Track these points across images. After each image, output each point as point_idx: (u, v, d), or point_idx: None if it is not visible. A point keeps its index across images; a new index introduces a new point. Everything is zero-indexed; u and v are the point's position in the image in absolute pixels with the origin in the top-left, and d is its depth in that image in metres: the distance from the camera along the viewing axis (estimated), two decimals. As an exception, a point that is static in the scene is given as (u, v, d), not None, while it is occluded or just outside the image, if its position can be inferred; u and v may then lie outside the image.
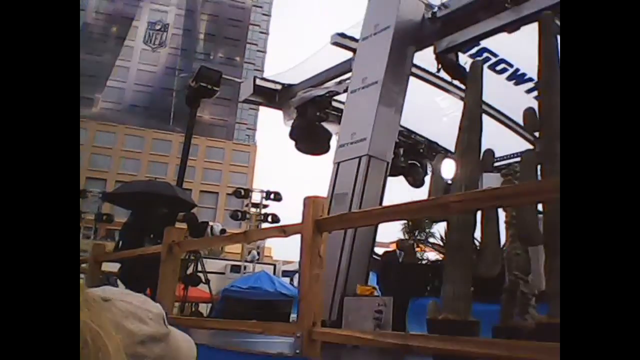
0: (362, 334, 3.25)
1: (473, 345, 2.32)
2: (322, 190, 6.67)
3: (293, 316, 10.34)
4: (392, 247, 7.99)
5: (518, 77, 7.72)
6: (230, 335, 5.25)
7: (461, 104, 4.14)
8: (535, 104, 3.27)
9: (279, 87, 9.74)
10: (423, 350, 2.61)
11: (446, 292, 2.99)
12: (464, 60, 6.82)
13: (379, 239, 6.78)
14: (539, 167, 2.91)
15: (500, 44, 6.98)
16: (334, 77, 8.67)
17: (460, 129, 3.53)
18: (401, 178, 9.63)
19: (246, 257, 19.58)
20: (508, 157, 7.89)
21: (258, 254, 21.95)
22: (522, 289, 2.97)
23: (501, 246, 3.18)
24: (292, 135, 9.33)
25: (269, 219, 17.52)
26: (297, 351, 3.11)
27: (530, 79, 7.22)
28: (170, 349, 0.83)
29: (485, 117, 5.65)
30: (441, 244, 3.29)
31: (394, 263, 6.71)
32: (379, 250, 8.65)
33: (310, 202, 3.41)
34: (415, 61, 7.24)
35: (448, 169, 3.60)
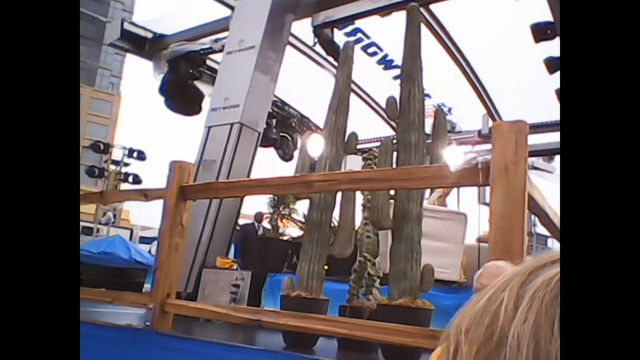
0: (215, 307, 3.27)
1: (318, 322, 2.48)
2: (191, 155, 6.47)
3: (147, 286, 10.02)
4: (251, 218, 8.10)
5: (387, 63, 8.13)
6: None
7: (334, 81, 4.27)
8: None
9: (149, 35, 9.09)
10: (274, 326, 2.72)
11: (302, 269, 3.13)
12: (340, 38, 7.01)
13: (245, 210, 6.81)
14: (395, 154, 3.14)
15: (373, 27, 7.29)
16: (210, 34, 8.33)
17: (329, 108, 3.64)
18: (272, 150, 9.72)
19: (100, 218, 18.36)
20: (372, 141, 8.35)
21: (114, 216, 20.70)
22: (369, 270, 3.22)
23: (355, 228, 3.39)
24: (162, 91, 8.85)
25: (130, 179, 16.54)
26: (148, 323, 3.04)
27: (398, 66, 7.67)
28: None
29: (354, 97, 5.90)
30: (303, 220, 3.41)
31: (254, 236, 6.82)
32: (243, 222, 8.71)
33: (176, 168, 3.30)
34: (293, 31, 7.26)
35: (316, 145, 3.71)
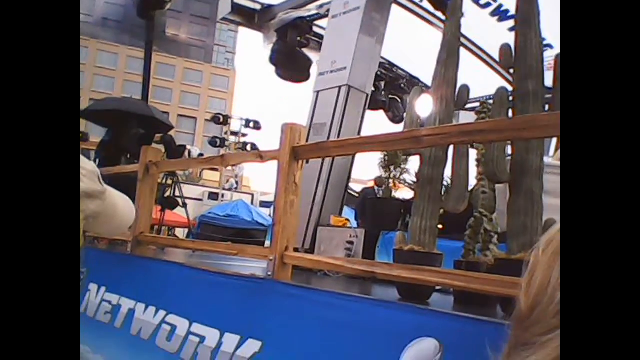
0: (331, 259, 3.41)
1: (432, 274, 2.48)
2: (302, 121, 6.67)
3: (267, 243, 10.64)
4: (370, 184, 8.15)
5: (501, 14, 7.56)
6: (205, 257, 5.43)
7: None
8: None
9: (258, 6, 9.38)
10: (388, 278, 2.78)
11: (414, 224, 3.12)
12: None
13: (357, 175, 6.90)
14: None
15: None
16: (315, 1, 8.39)
17: (437, 62, 3.53)
18: (381, 113, 9.63)
19: (224, 185, 19.71)
20: (487, 99, 7.91)
21: (236, 182, 22.07)
22: (486, 226, 3.11)
23: (469, 185, 3.29)
24: (272, 60, 9.14)
25: (248, 147, 17.48)
26: (269, 273, 3.26)
27: (514, 17, 7.04)
28: (107, 206, 0.84)
29: (465, 52, 5.61)
30: (414, 181, 3.38)
31: (371, 198, 6.88)
32: (358, 188, 8.80)
33: (288, 129, 3.44)
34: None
35: (424, 104, 3.63)
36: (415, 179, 3.45)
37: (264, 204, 18.68)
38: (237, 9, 9.34)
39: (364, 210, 7.04)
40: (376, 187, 7.88)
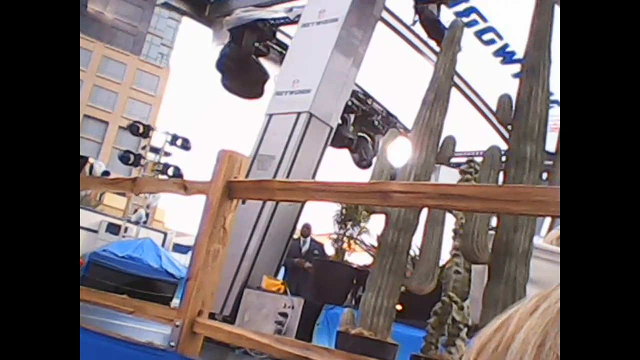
0: (256, 335, 3.36)
1: (381, 370, 2.49)
2: (245, 148, 6.71)
3: (175, 302, 10.40)
4: (321, 239, 8.18)
5: (506, 55, 7.99)
6: (89, 311, 5.22)
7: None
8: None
9: (213, -5, 9.55)
10: (324, 367, 2.75)
11: (367, 301, 3.14)
12: (447, 18, 6.98)
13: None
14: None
15: (494, 7, 7.18)
16: (284, 0, 8.59)
17: (423, 102, 3.66)
18: (346, 152, 9.82)
19: (130, 215, 19.24)
20: (475, 154, 8.21)
21: (147, 215, 21.65)
22: (454, 315, 3.17)
23: (441, 259, 3.36)
24: (220, 65, 9.23)
25: (169, 171, 17.25)
26: (172, 344, 3.17)
27: (520, 61, 7.43)
28: None
29: (457, 95, 5.84)
30: (374, 245, 3.45)
31: (296, 253, 6.91)
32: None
33: (225, 157, 3.43)
34: (388, 4, 7.31)
35: (399, 151, 3.73)
36: (375, 243, 3.51)
37: (179, 248, 18.31)
38: (184, -8, 9.47)
39: (295, 269, 7.04)
40: (302, 238, 7.92)
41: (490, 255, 2.88)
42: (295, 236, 8.15)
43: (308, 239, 7.98)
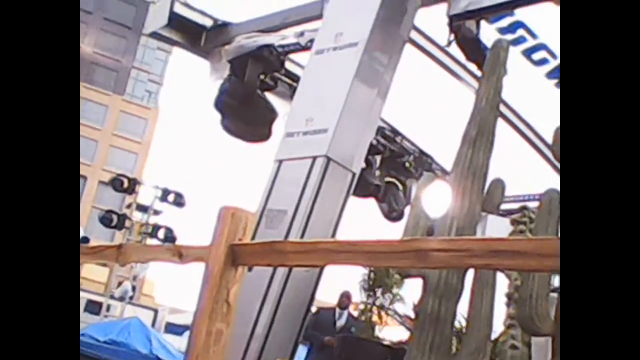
0: None
1: None
2: (252, 203, 6.73)
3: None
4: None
5: (563, 77, 7.97)
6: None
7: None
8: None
9: (208, 22, 9.70)
10: None
11: (405, 386, 3.10)
12: (488, 35, 7.03)
13: (324, 297, 6.83)
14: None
15: (544, 22, 7.23)
16: (295, 24, 8.73)
17: (463, 138, 3.67)
18: (372, 202, 9.80)
19: (113, 290, 19.21)
20: (528, 198, 8.13)
21: (133, 289, 21.62)
22: (512, 401, 3.12)
23: (493, 330, 3.32)
24: (219, 104, 9.32)
25: (160, 234, 17.28)
26: None
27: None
28: None
29: (504, 126, 5.84)
30: (411, 316, 3.40)
31: (330, 329, 6.82)
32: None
33: (227, 215, 3.44)
34: (417, 22, 7.40)
35: (437, 199, 3.73)
36: (411, 313, 3.47)
37: (173, 329, 18.21)
38: (176, 21, 9.60)
39: (316, 344, 6.92)
40: (337, 310, 7.80)
41: (554, 324, 2.84)
42: (330, 306, 8.09)
43: (345, 313, 7.88)
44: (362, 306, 6.51)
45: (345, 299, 7.89)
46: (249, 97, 9.02)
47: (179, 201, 18.26)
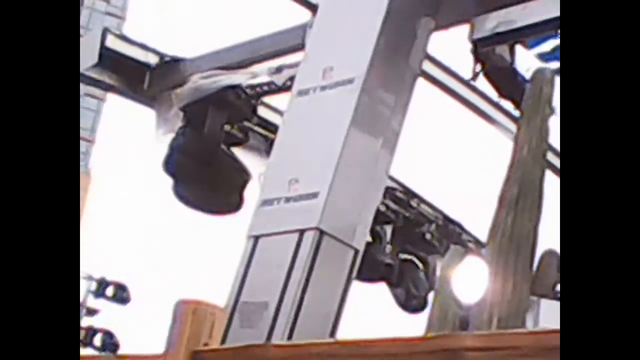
0: None
1: None
2: (219, 296, 6.68)
3: None
4: None
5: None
6: None
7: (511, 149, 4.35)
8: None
9: (153, 59, 9.73)
10: None
11: None
12: (527, 65, 7.10)
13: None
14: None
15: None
16: (268, 57, 8.79)
17: (500, 200, 3.70)
18: (383, 287, 9.73)
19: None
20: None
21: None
22: None
23: None
24: (170, 165, 9.29)
25: (96, 340, 17.11)
26: None
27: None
28: None
29: (554, 181, 5.85)
30: None
31: None
32: None
33: (187, 313, 3.44)
34: (431, 50, 7.48)
35: (470, 279, 3.74)
36: None
37: None
38: (110, 58, 9.60)
39: None
40: None
41: None
42: None
43: None
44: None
45: None
46: (211, 154, 9.00)
47: (121, 295, 18.13)
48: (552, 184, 4.12)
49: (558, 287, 3.70)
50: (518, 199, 3.63)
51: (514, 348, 2.87)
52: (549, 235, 3.79)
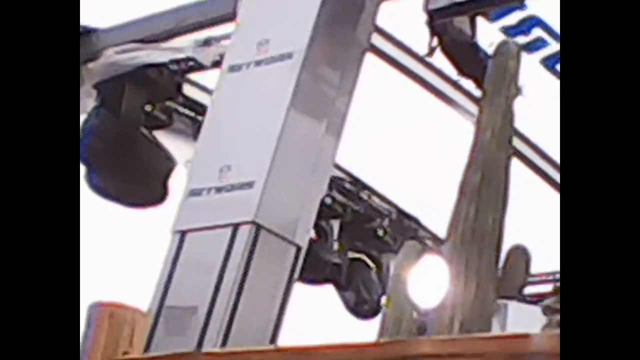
0: None
1: None
2: (141, 299, 6.64)
3: None
4: None
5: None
6: None
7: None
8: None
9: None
10: None
11: None
12: (490, 38, 7.11)
13: None
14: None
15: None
16: (194, 28, 8.71)
17: (461, 189, 3.75)
18: (330, 289, 9.74)
19: None
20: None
21: None
22: None
23: None
24: (84, 154, 9.17)
25: None
26: None
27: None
28: None
29: (521, 168, 5.89)
30: None
31: None
32: None
33: (103, 317, 3.45)
34: (383, 23, 7.50)
35: (428, 280, 3.79)
36: None
37: None
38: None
39: None
40: None
41: None
42: None
43: None
44: None
45: None
46: (130, 139, 8.91)
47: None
48: (518, 172, 4.18)
49: (526, 288, 3.75)
50: (480, 189, 3.66)
51: (478, 355, 2.91)
52: (515, 230, 3.84)
